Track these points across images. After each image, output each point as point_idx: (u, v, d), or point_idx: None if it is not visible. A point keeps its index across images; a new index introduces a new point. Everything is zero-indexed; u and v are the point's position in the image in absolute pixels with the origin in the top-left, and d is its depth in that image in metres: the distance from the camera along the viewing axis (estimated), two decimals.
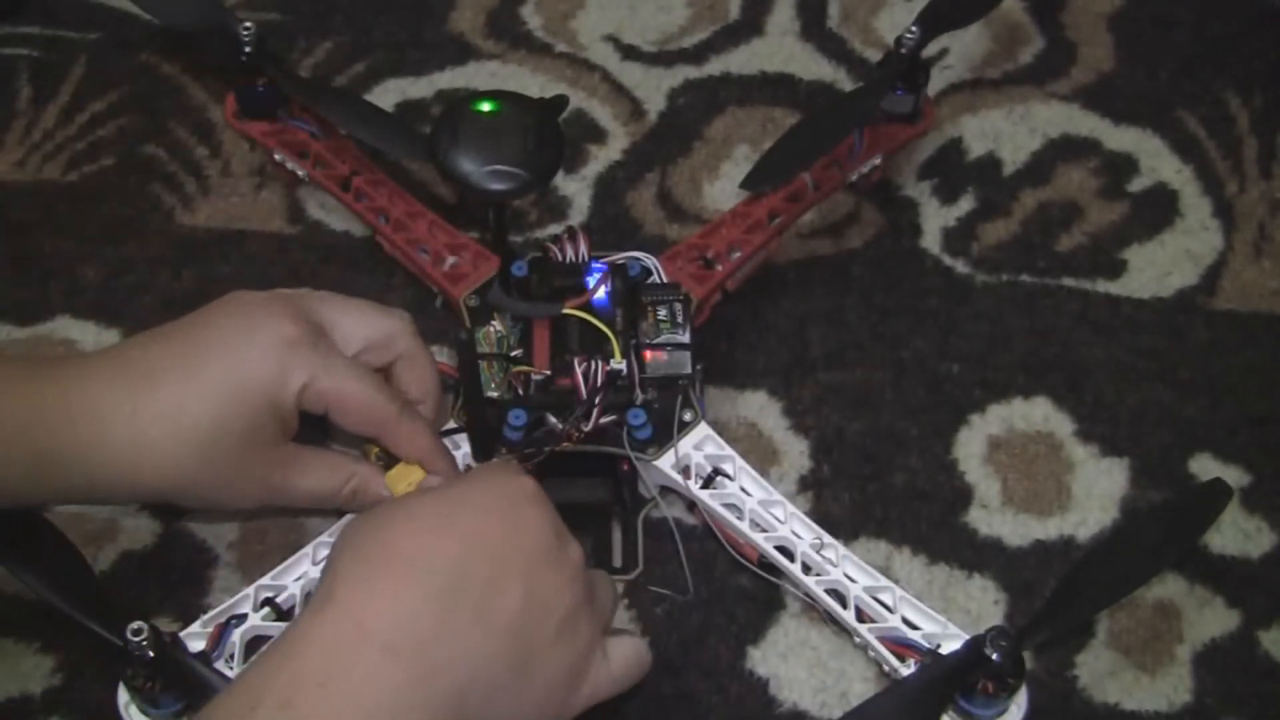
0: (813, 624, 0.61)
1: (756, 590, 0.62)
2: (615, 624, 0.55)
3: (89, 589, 0.56)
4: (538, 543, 0.50)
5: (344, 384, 0.55)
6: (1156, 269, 0.73)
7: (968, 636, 0.54)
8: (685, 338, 0.64)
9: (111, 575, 0.62)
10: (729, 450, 0.61)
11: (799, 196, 0.70)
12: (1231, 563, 0.63)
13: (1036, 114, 0.80)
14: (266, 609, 0.57)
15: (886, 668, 0.57)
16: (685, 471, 0.61)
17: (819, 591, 0.58)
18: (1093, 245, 0.74)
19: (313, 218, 0.75)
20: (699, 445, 0.62)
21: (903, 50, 0.70)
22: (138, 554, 0.63)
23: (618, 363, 0.62)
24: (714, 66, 0.82)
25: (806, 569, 0.59)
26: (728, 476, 0.61)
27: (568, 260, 0.65)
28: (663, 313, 0.65)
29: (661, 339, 0.64)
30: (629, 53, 0.83)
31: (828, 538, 0.59)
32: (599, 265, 0.65)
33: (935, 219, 0.75)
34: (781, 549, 0.60)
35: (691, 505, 0.63)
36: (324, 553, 0.58)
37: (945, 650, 0.56)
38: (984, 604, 0.62)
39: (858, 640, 0.58)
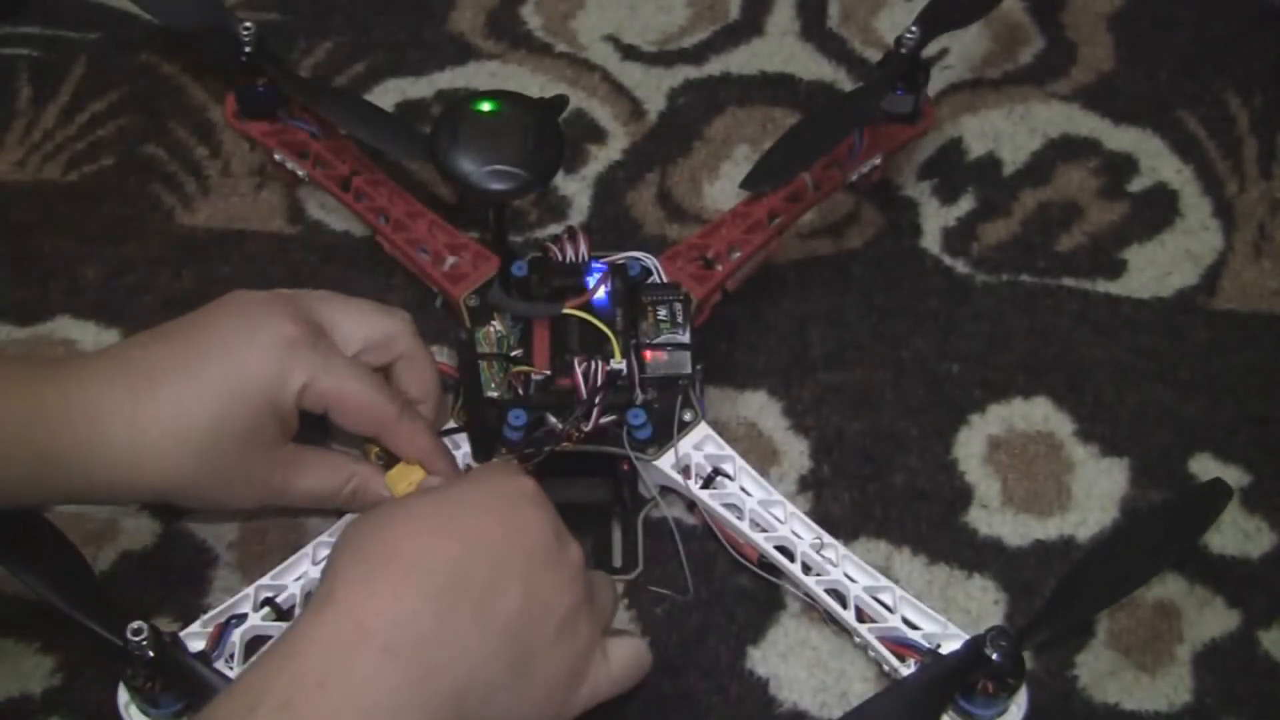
0: (813, 624, 0.61)
1: (756, 590, 0.62)
2: (615, 624, 0.55)
3: (89, 589, 0.56)
4: (537, 543, 0.50)
5: (344, 384, 0.55)
6: (1156, 269, 0.73)
7: (968, 636, 0.54)
8: (685, 338, 0.64)
9: (111, 575, 0.62)
10: (729, 450, 0.61)
11: (799, 196, 0.70)
12: (1231, 563, 0.63)
13: (1036, 114, 0.80)
14: (266, 609, 0.57)
15: (886, 668, 0.57)
16: (685, 471, 0.61)
17: (819, 591, 0.58)
18: (1093, 245, 0.74)
19: (313, 218, 0.75)
20: (699, 445, 0.62)
21: (903, 50, 0.70)
22: (138, 554, 0.63)
23: (618, 363, 0.62)
24: (714, 66, 0.82)
25: (806, 569, 0.59)
26: (728, 476, 0.61)
27: (568, 260, 0.65)
28: (663, 313, 0.65)
29: (661, 339, 0.64)
30: (629, 53, 0.83)
31: (828, 538, 0.59)
32: (599, 265, 0.65)
33: (935, 219, 0.75)
34: (781, 549, 0.60)
35: (691, 505, 0.63)
36: (324, 553, 0.58)
37: (945, 650, 0.56)
38: (984, 604, 0.62)
39: (858, 640, 0.58)
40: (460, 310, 0.65)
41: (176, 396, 0.53)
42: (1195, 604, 0.62)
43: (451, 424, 0.62)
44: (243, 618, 0.57)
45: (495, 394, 0.62)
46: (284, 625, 0.57)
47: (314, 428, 0.57)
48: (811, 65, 0.82)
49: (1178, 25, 0.84)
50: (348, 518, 0.59)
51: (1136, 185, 0.77)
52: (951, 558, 0.63)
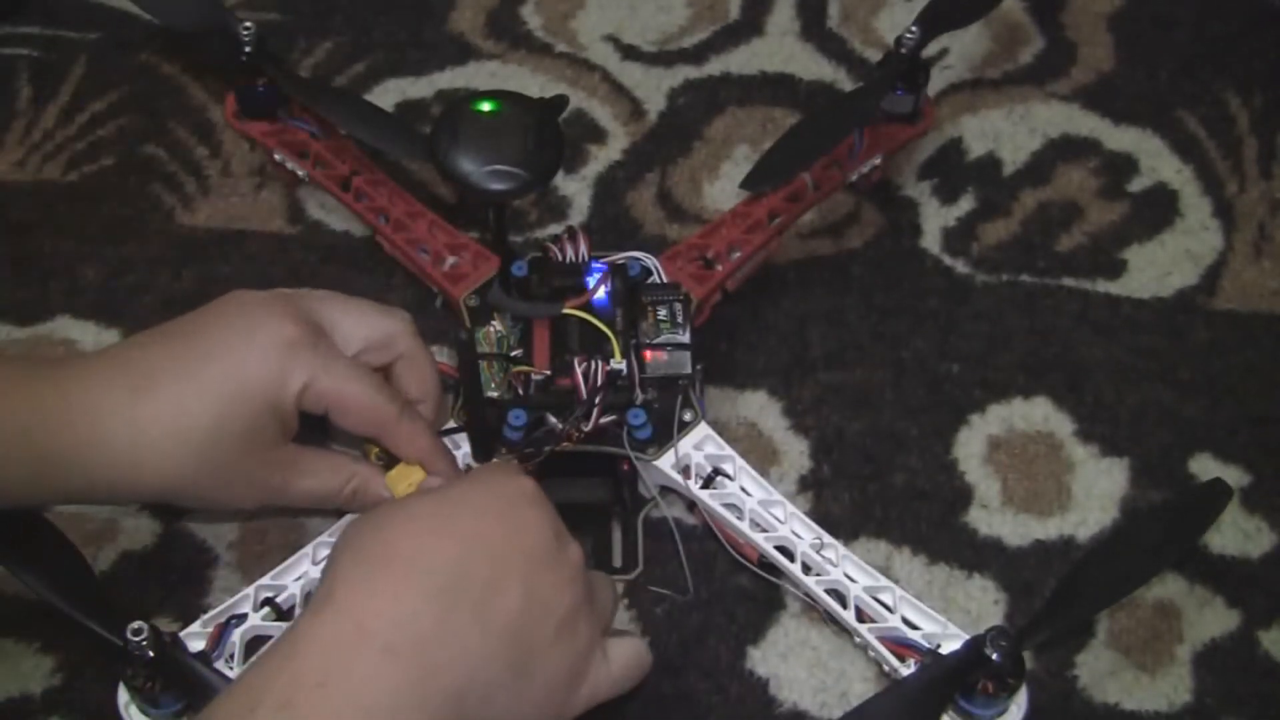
0: (813, 624, 0.61)
1: (756, 590, 0.62)
2: (615, 624, 0.55)
3: (89, 589, 0.56)
4: (537, 543, 0.50)
5: (344, 385, 0.55)
6: (1156, 269, 0.73)
7: (968, 636, 0.54)
8: (685, 338, 0.64)
9: (111, 575, 0.62)
10: (729, 450, 0.61)
11: (799, 196, 0.70)
12: (1231, 563, 0.63)
13: (1036, 114, 0.80)
14: (266, 609, 0.57)
15: (886, 668, 0.57)
16: (685, 471, 0.61)
17: (819, 591, 0.58)
18: (1093, 245, 0.74)
19: (313, 218, 0.75)
20: (699, 445, 0.62)
21: (903, 50, 0.70)
22: (138, 554, 0.63)
23: (618, 363, 0.62)
24: (714, 66, 0.82)
25: (806, 569, 0.59)
26: (728, 476, 0.61)
27: (568, 260, 0.65)
28: (663, 313, 0.65)
29: (661, 339, 0.64)
30: (629, 53, 0.83)
31: (828, 538, 0.59)
32: (599, 265, 0.65)
33: (935, 219, 0.75)
34: (781, 549, 0.60)
35: (691, 505, 0.63)
36: (324, 553, 0.58)
37: (945, 650, 0.56)
38: (984, 604, 0.62)
39: (858, 640, 0.58)
40: (460, 310, 0.65)
41: (177, 397, 0.53)
42: (1195, 604, 0.62)
43: (451, 424, 0.62)
44: (243, 618, 0.57)
45: (495, 394, 0.62)
46: (284, 625, 0.57)
47: (314, 428, 0.57)
48: (811, 65, 0.82)
49: (1178, 25, 0.84)
50: (348, 518, 0.59)
51: (1136, 185, 0.77)
52: (951, 558, 0.63)
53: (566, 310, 0.63)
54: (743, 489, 0.61)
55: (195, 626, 0.56)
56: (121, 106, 0.80)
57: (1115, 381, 0.69)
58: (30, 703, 0.58)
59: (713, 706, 0.59)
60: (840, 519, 0.64)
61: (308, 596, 0.58)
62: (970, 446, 0.67)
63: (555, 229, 0.73)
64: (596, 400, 0.61)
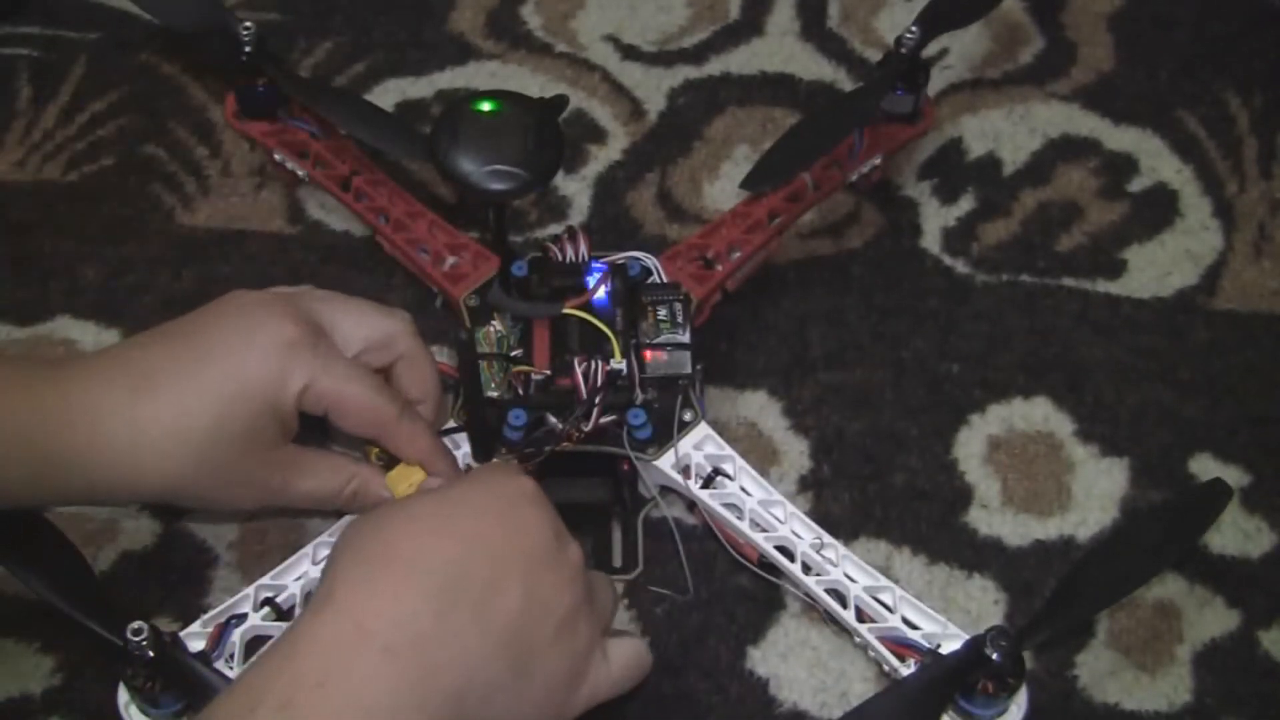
0: (813, 624, 0.61)
1: (756, 590, 0.62)
2: (615, 624, 0.55)
3: (89, 589, 0.56)
4: (537, 543, 0.50)
5: (344, 385, 0.55)
6: (1156, 269, 0.73)
7: (968, 636, 0.54)
8: (685, 338, 0.64)
9: (111, 575, 0.62)
10: (729, 450, 0.61)
11: (799, 196, 0.70)
12: (1231, 563, 0.63)
13: (1036, 114, 0.80)
14: (266, 609, 0.57)
15: (886, 668, 0.57)
16: (685, 471, 0.61)
17: (819, 591, 0.58)
18: (1093, 245, 0.74)
19: (313, 218, 0.75)
20: (699, 445, 0.62)
21: (903, 50, 0.70)
22: (138, 554, 0.63)
23: (618, 363, 0.62)
24: (714, 66, 0.82)
25: (806, 569, 0.59)
26: (728, 476, 0.61)
27: (568, 260, 0.65)
28: (663, 313, 0.65)
29: (661, 339, 0.64)
30: (629, 53, 0.83)
31: (828, 538, 0.59)
32: (599, 265, 0.65)
33: (935, 219, 0.75)
34: (781, 549, 0.60)
35: (691, 505, 0.63)
36: (324, 553, 0.58)
37: (945, 650, 0.56)
38: (984, 604, 0.62)
39: (858, 640, 0.58)
40: (460, 310, 0.65)
41: (177, 397, 0.53)
42: (1195, 604, 0.62)
43: (451, 424, 0.62)
44: (243, 618, 0.57)
45: (495, 394, 0.62)
46: (284, 625, 0.57)
47: (314, 429, 0.57)
48: (811, 65, 0.82)
49: (1178, 25, 0.84)
50: (348, 518, 0.59)
51: (1136, 185, 0.77)
52: (951, 558, 0.63)
53: (566, 310, 0.63)
54: (743, 489, 0.61)
55: (195, 626, 0.56)
56: (121, 106, 0.80)
57: (1115, 381, 0.69)
58: (30, 703, 0.58)
59: (713, 706, 0.59)
60: (840, 519, 0.64)
61: (308, 596, 0.58)
62: (970, 446, 0.67)
63: (555, 229, 0.73)
64: (596, 400, 0.61)
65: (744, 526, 0.60)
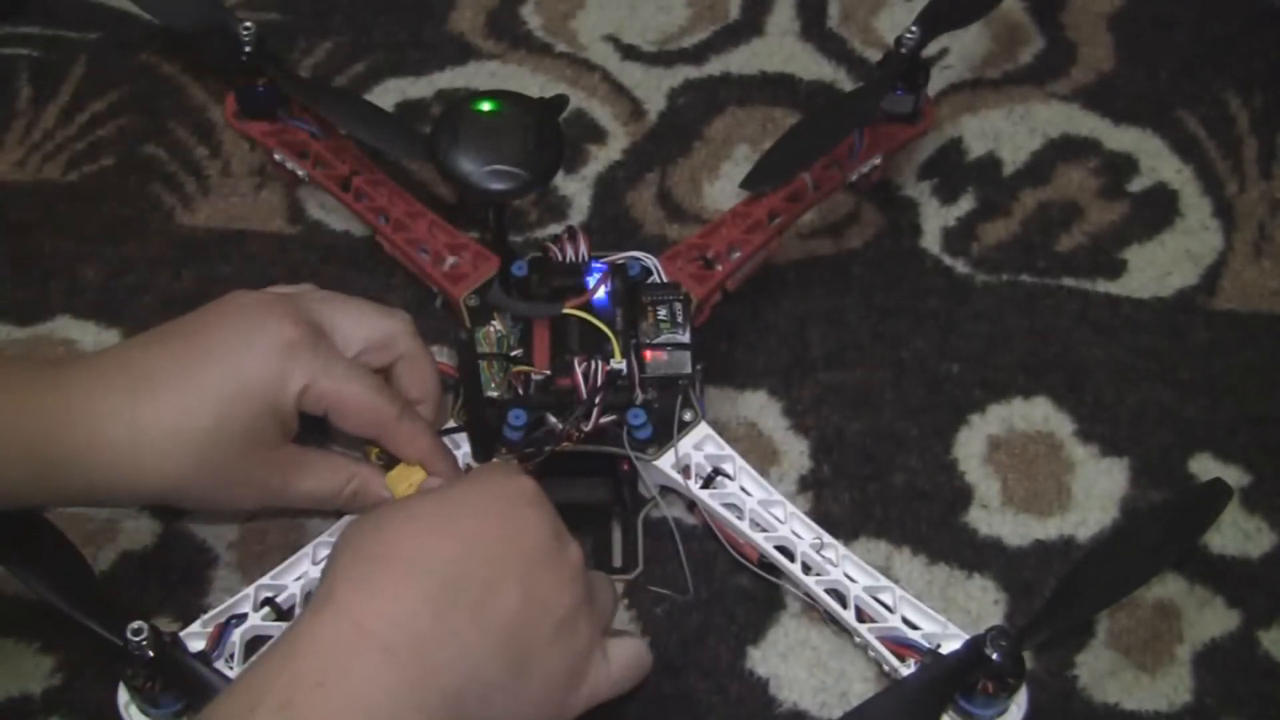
0: (813, 624, 0.61)
1: (756, 590, 0.62)
2: (615, 624, 0.55)
3: (89, 589, 0.56)
4: (536, 543, 0.50)
5: (343, 386, 0.55)
6: (1156, 269, 0.73)
7: (968, 636, 0.54)
8: (685, 338, 0.64)
9: (111, 575, 0.62)
10: (729, 450, 0.61)
11: (799, 196, 0.70)
12: (1231, 563, 0.63)
13: (1036, 114, 0.80)
14: (266, 609, 0.57)
15: (886, 668, 0.57)
16: (685, 471, 0.61)
17: (819, 591, 0.58)
18: (1093, 245, 0.74)
19: (313, 218, 0.75)
20: (699, 445, 0.62)
21: (903, 50, 0.70)
22: (138, 554, 0.63)
23: (618, 363, 0.62)
24: (714, 66, 0.82)
25: (806, 569, 0.59)
26: (728, 476, 0.61)
27: (568, 260, 0.65)
28: (663, 313, 0.65)
29: (661, 339, 0.64)
30: (629, 53, 0.83)
31: (828, 538, 0.59)
32: (599, 265, 0.65)
33: (935, 219, 0.75)
34: (781, 549, 0.60)
35: (691, 505, 0.63)
36: (324, 553, 0.58)
37: (945, 650, 0.56)
38: (984, 604, 0.62)
39: (858, 640, 0.58)
40: (460, 310, 0.65)
41: (177, 398, 0.53)
42: (1195, 604, 0.62)
43: (451, 424, 0.62)
44: (243, 618, 0.57)
45: (495, 394, 0.62)
46: (284, 625, 0.57)
47: (314, 429, 0.57)
48: (811, 65, 0.82)
49: (1178, 25, 0.84)
50: (348, 518, 0.59)
51: (1136, 185, 0.77)
52: (951, 558, 0.63)
53: (566, 310, 0.63)
54: (743, 489, 0.61)
55: (195, 626, 0.56)
56: (121, 106, 0.80)
57: (1115, 381, 0.69)
58: (30, 703, 0.58)
59: (713, 706, 0.59)
60: (840, 519, 0.64)
61: (308, 596, 0.58)
62: (970, 446, 0.67)
63: (555, 229, 0.73)
64: (596, 400, 0.61)
65: (744, 526, 0.60)
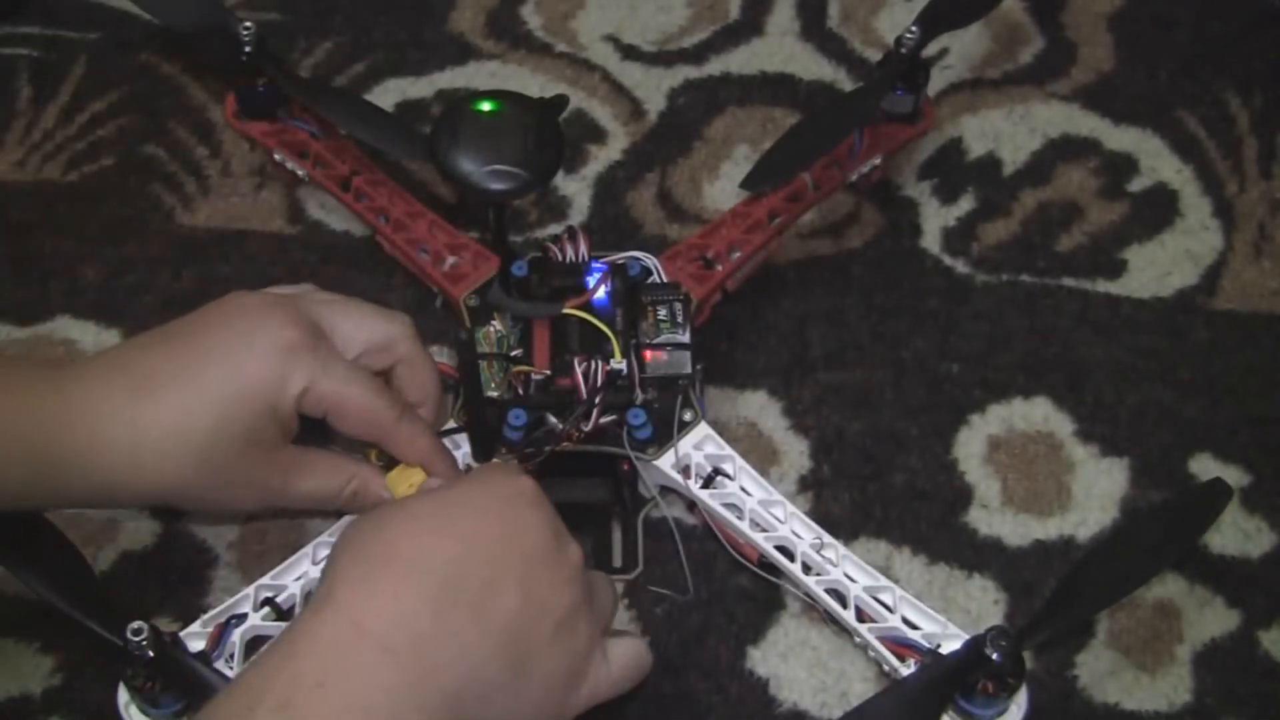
0: (813, 624, 0.61)
1: (756, 590, 0.62)
2: (615, 624, 0.55)
3: (89, 589, 0.56)
4: (535, 543, 0.50)
5: (343, 388, 0.55)
6: (1156, 269, 0.73)
7: (968, 636, 0.54)
8: (685, 338, 0.64)
9: (111, 575, 0.62)
10: (729, 450, 0.61)
11: (799, 196, 0.70)
12: (1231, 563, 0.63)
13: (1036, 114, 0.80)
14: (266, 609, 0.57)
15: (886, 668, 0.57)
16: (685, 471, 0.61)
17: (819, 591, 0.58)
18: (1093, 245, 0.74)
19: (313, 218, 0.75)
20: (699, 445, 0.62)
21: (903, 50, 0.70)
22: (138, 554, 0.63)
23: (618, 363, 0.62)
24: (714, 66, 0.82)
25: (806, 569, 0.59)
26: (728, 476, 0.61)
27: (568, 260, 0.65)
28: (663, 312, 0.65)
29: (661, 339, 0.64)
30: (629, 53, 0.83)
31: (828, 538, 0.59)
32: (599, 265, 0.65)
33: (935, 219, 0.75)
34: (781, 549, 0.60)
35: (691, 505, 0.63)
36: (324, 553, 0.58)
37: (945, 650, 0.56)
38: (984, 604, 0.62)
39: (858, 640, 0.58)
40: (460, 310, 0.65)
41: (177, 399, 0.53)
42: (1195, 604, 0.62)
43: (451, 424, 0.62)
44: (243, 618, 0.57)
45: (495, 394, 0.62)
46: (284, 625, 0.57)
47: (315, 429, 0.57)
48: (811, 65, 0.82)
49: (1178, 25, 0.84)
50: (348, 518, 0.59)
51: (1136, 185, 0.77)
52: (951, 558, 0.63)
53: (566, 310, 0.63)
54: (743, 489, 0.61)
55: (195, 626, 0.56)
56: (121, 106, 0.80)
57: (1115, 381, 0.69)
58: (30, 703, 0.58)
59: (713, 706, 0.59)
60: (840, 519, 0.64)
61: (308, 596, 0.58)
62: (970, 446, 0.67)
63: (555, 229, 0.73)
64: (596, 400, 0.61)
65: (744, 526, 0.60)
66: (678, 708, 0.59)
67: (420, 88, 0.81)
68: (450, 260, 0.68)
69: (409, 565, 0.48)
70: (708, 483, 0.61)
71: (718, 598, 0.62)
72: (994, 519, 0.64)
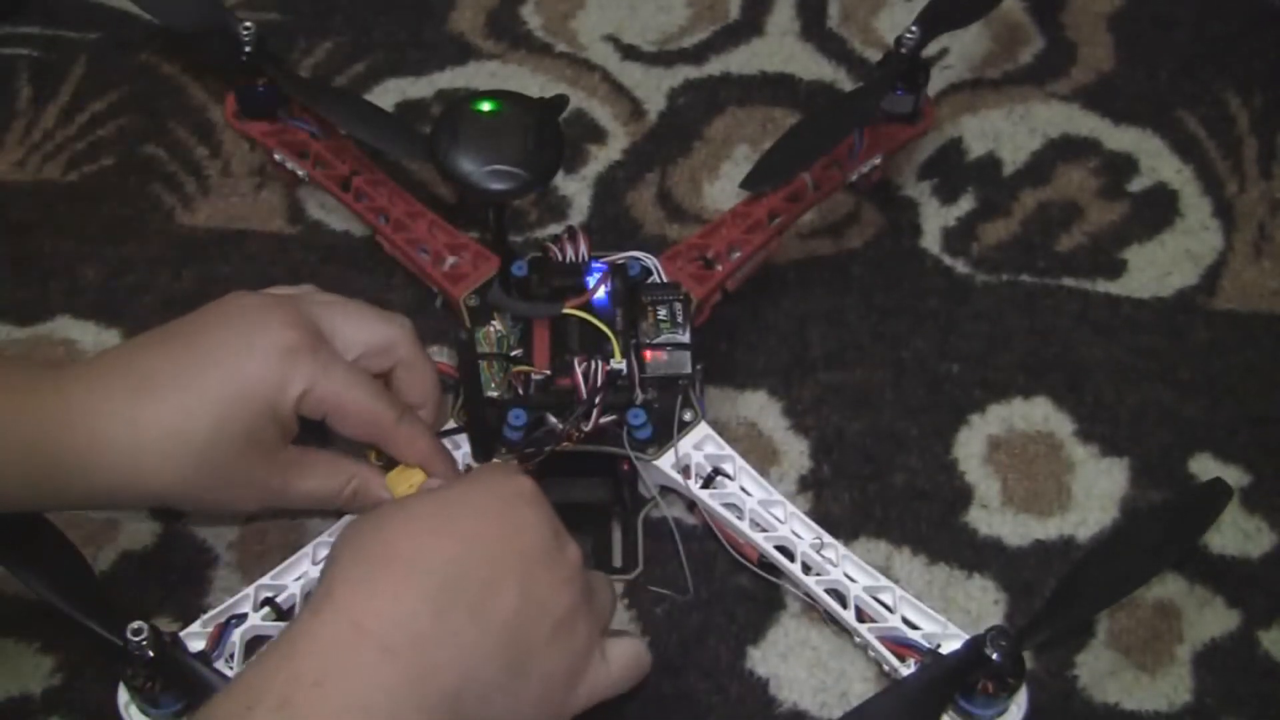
0: (813, 624, 0.61)
1: (756, 590, 0.62)
2: (615, 624, 0.55)
3: (89, 589, 0.56)
4: (535, 543, 0.50)
5: (343, 390, 0.55)
6: (1156, 269, 0.73)
7: (968, 636, 0.54)
8: (685, 338, 0.64)
9: (111, 575, 0.62)
10: (729, 450, 0.61)
11: (799, 196, 0.70)
12: (1231, 563, 0.63)
13: (1036, 114, 0.80)
14: (266, 609, 0.57)
15: (886, 668, 0.57)
16: (685, 471, 0.61)
17: (819, 591, 0.58)
18: (1093, 245, 0.74)
19: (313, 218, 0.75)
20: (699, 445, 0.62)
21: (903, 50, 0.70)
22: (138, 554, 0.63)
23: (618, 363, 0.62)
24: (714, 66, 0.82)
25: (806, 569, 0.59)
26: (728, 476, 0.61)
27: (568, 260, 0.65)
28: (663, 312, 0.65)
29: (661, 339, 0.64)
30: (629, 53, 0.83)
31: (828, 538, 0.59)
32: (599, 265, 0.65)
33: (935, 219, 0.75)
34: (781, 549, 0.60)
35: (691, 505, 0.63)
36: (324, 552, 0.58)
37: (945, 650, 0.56)
38: (984, 604, 0.62)
39: (858, 640, 0.58)
40: (460, 310, 0.65)
41: (177, 400, 0.53)
42: (1195, 604, 0.62)
43: (451, 424, 0.62)
44: (243, 618, 0.57)
45: (495, 394, 0.62)
46: (284, 625, 0.57)
47: (315, 429, 0.57)
48: (811, 65, 0.82)
49: (1178, 25, 0.84)
50: (347, 518, 0.59)
51: (1136, 185, 0.77)
52: (951, 558, 0.63)
53: (566, 310, 0.63)
54: (743, 489, 0.61)
55: (195, 626, 0.56)
56: (121, 106, 0.80)
57: (1115, 381, 0.69)
58: (30, 703, 0.58)
59: (713, 706, 0.59)
60: (840, 519, 0.64)
61: (308, 596, 0.58)
62: (970, 446, 0.67)
63: (555, 229, 0.73)
64: (596, 400, 0.61)
65: (744, 526, 0.60)
66: (678, 708, 0.59)
67: (420, 88, 0.81)
68: (450, 260, 0.68)
69: (409, 565, 0.48)
70: (708, 483, 0.61)
71: (718, 598, 0.62)
72: (994, 519, 0.64)
